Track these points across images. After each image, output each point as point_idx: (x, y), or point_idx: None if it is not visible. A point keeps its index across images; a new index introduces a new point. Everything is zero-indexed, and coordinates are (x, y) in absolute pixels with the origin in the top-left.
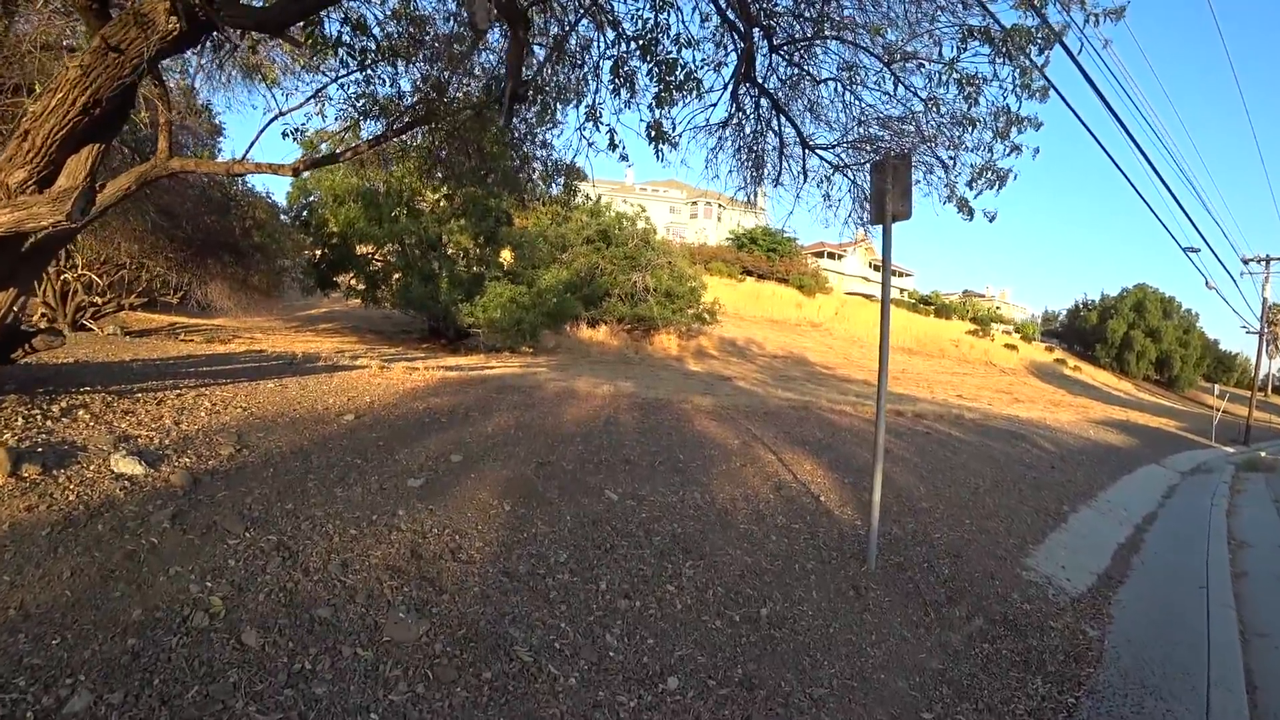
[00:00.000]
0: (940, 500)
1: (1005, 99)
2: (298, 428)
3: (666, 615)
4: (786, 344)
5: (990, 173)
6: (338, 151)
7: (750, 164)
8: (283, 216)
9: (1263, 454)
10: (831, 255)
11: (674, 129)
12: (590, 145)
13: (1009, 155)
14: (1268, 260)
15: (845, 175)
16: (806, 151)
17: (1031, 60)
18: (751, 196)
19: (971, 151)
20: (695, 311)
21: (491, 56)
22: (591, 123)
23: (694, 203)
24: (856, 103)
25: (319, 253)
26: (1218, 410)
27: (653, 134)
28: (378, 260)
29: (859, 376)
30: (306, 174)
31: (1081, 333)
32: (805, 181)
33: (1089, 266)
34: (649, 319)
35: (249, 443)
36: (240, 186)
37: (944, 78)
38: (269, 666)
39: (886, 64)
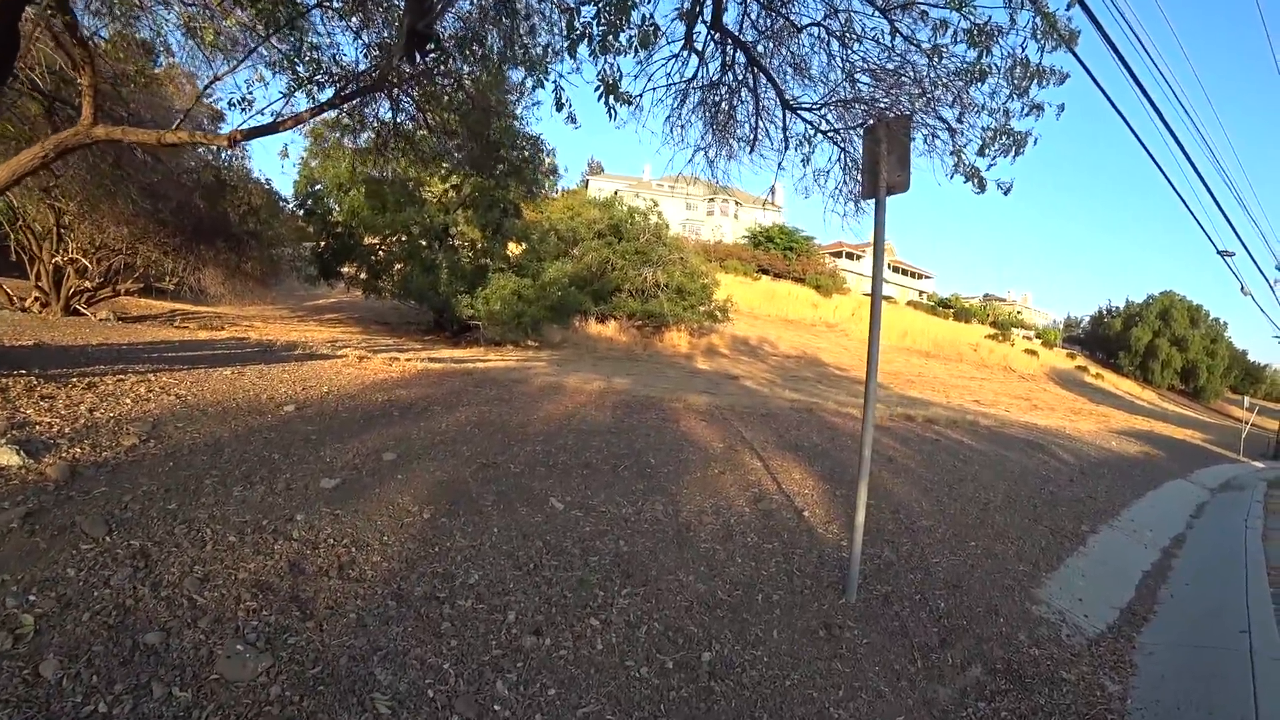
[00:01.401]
0: (944, 518)
1: (1023, 48)
2: (225, 419)
3: (581, 658)
4: (800, 344)
5: (1005, 137)
6: (278, 119)
7: (718, 126)
8: (290, 206)
9: None
10: (850, 255)
11: (640, 90)
12: (546, 105)
13: (1027, 115)
14: None
15: (833, 140)
16: (788, 113)
17: None
18: (719, 168)
19: (982, 112)
20: (707, 309)
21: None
22: (534, 75)
23: (711, 199)
24: (845, 56)
25: (323, 242)
26: (1246, 423)
27: (603, 90)
28: (381, 250)
29: None
30: (249, 142)
31: (1104, 340)
32: (788, 148)
33: (1114, 273)
34: (659, 315)
35: (161, 433)
36: (235, 170)
37: (951, 25)
38: (53, 709)
39: (883, 11)
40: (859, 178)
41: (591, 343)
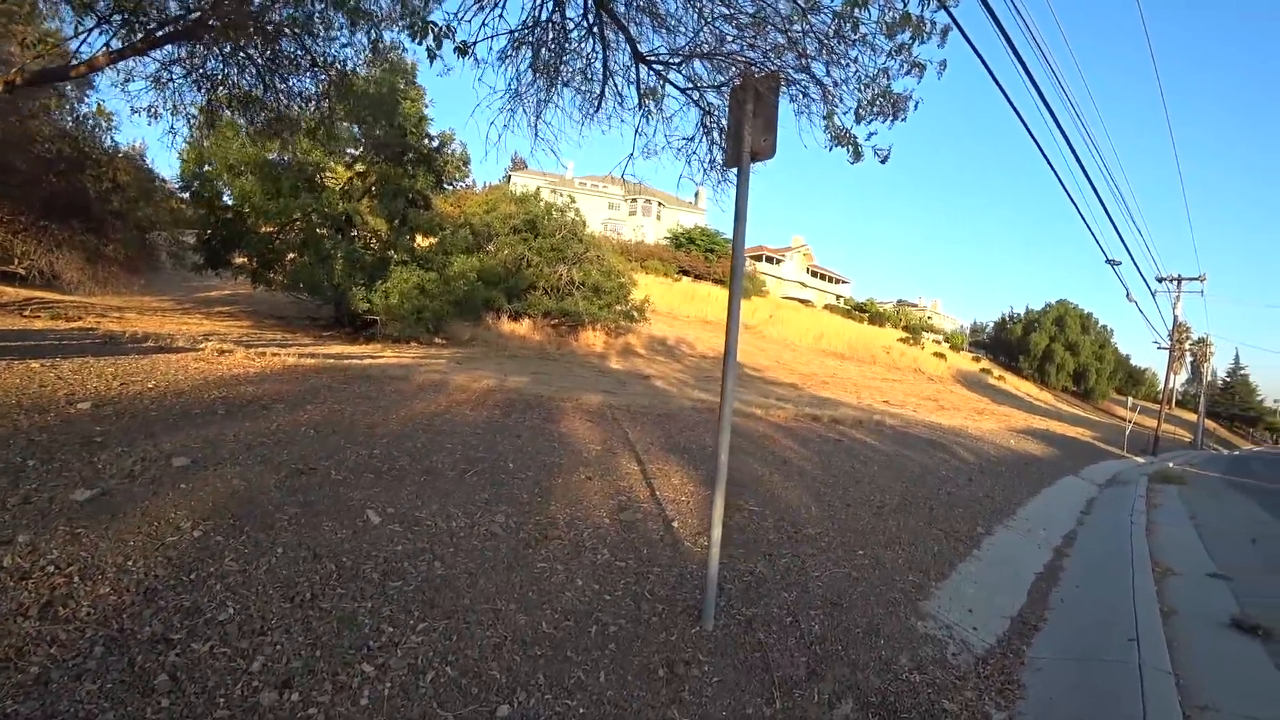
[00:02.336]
0: (833, 525)
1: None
2: None
3: (336, 718)
4: (718, 345)
5: (883, 99)
6: (69, 65)
7: (549, 76)
8: (169, 186)
9: (1171, 465)
10: (770, 259)
11: (472, 38)
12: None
13: (907, 74)
14: (1179, 280)
15: (694, 101)
16: (641, 67)
17: None
18: (544, 128)
19: (856, 66)
20: (623, 309)
21: None
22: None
23: (633, 200)
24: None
25: (210, 229)
26: (1129, 422)
27: (415, 27)
28: (276, 239)
29: (786, 379)
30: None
31: (1007, 344)
32: (641, 110)
33: (1016, 281)
34: (575, 314)
35: None
36: (101, 143)
37: None
38: None
39: None
40: (724, 144)
41: (503, 341)
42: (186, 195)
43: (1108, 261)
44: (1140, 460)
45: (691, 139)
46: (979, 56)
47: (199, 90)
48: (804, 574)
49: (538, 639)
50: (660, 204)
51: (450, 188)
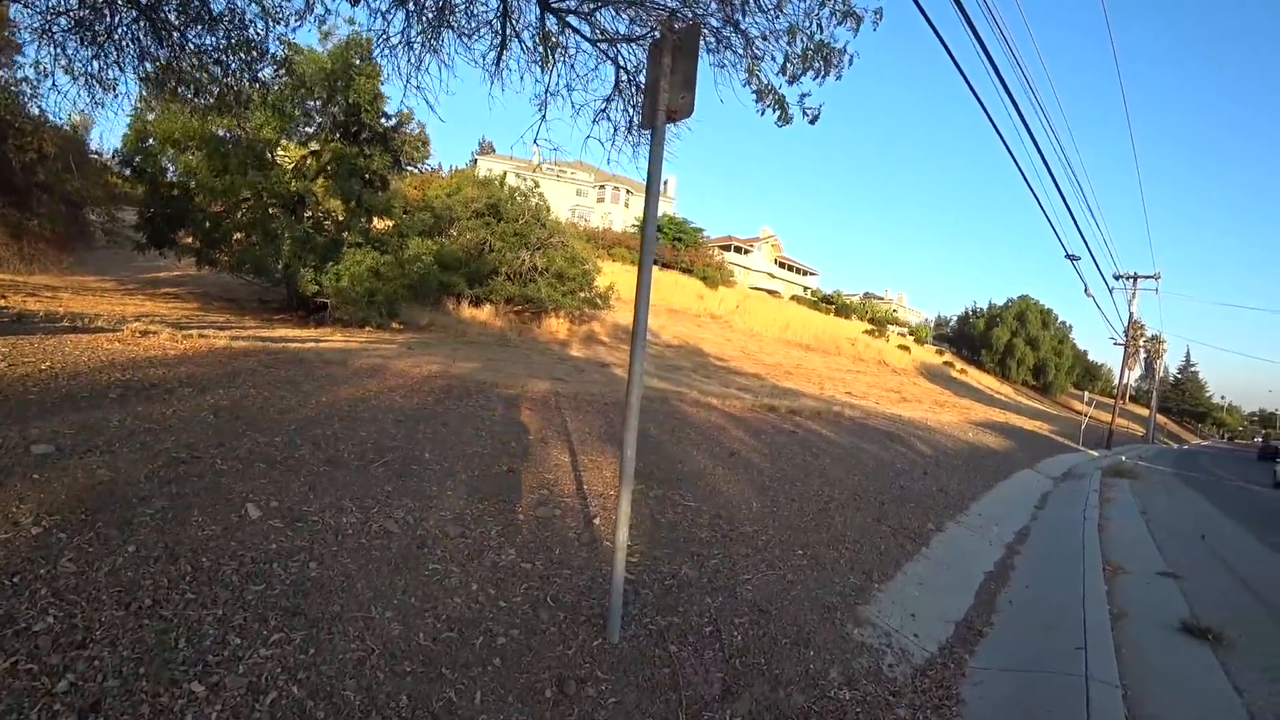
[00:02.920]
0: (775, 520)
1: None
2: None
3: None
4: (683, 334)
5: (815, 53)
6: None
7: (430, 21)
8: (102, 160)
9: (1123, 459)
10: (738, 249)
11: None
12: None
13: (840, 24)
14: (1135, 278)
15: (607, 55)
16: (546, 15)
17: None
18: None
19: (785, 19)
20: (587, 295)
21: None
22: None
23: (601, 186)
24: None
25: (153, 206)
26: (1085, 416)
27: None
28: (224, 218)
29: (750, 369)
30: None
31: (970, 338)
32: (550, 66)
33: (980, 277)
34: (538, 300)
35: None
36: (26, 111)
37: None
38: None
39: None
40: (640, 103)
41: (462, 327)
42: (128, 171)
43: (1067, 256)
44: (1095, 454)
45: (609, 100)
46: (938, 36)
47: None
48: (734, 577)
49: (410, 652)
50: (629, 191)
51: (409, 169)
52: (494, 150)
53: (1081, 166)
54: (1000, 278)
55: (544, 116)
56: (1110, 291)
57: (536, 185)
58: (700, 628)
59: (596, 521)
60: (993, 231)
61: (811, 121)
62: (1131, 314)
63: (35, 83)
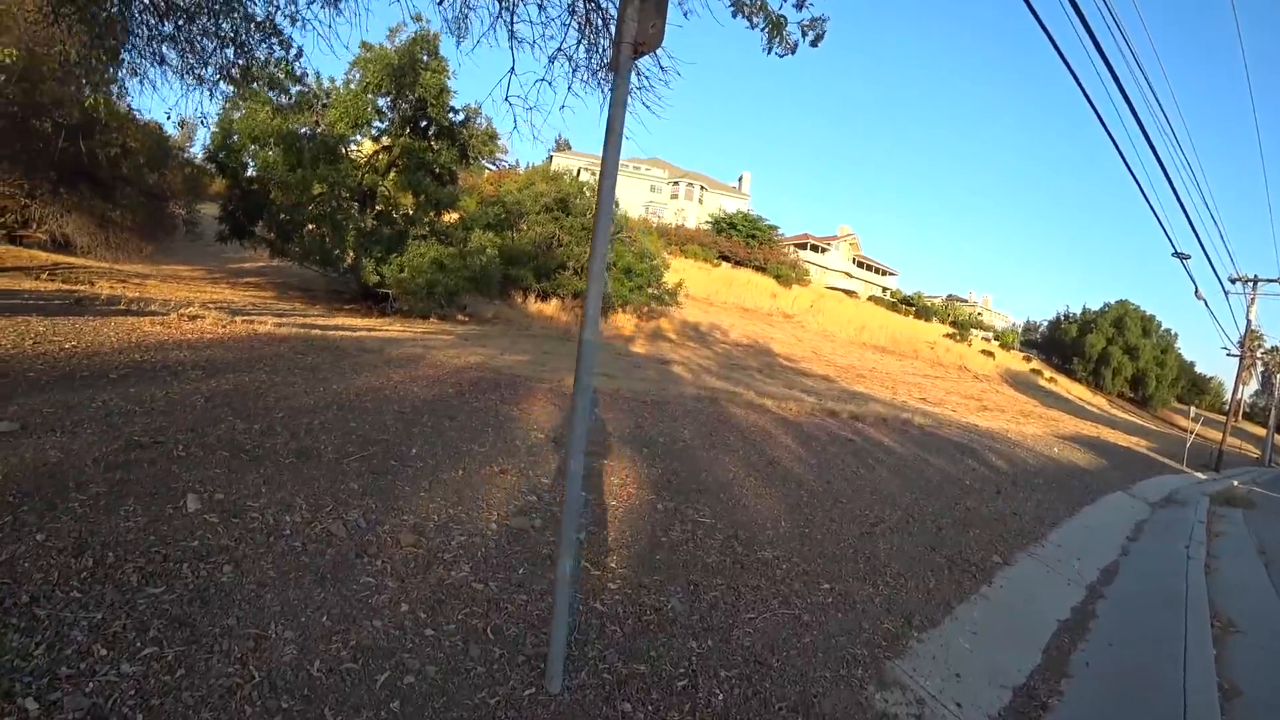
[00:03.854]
0: (803, 544)
1: None
2: None
3: None
4: (753, 333)
5: None
6: None
7: None
8: (189, 156)
9: (1236, 484)
10: (815, 248)
11: None
12: None
13: None
14: (1255, 281)
15: None
16: None
17: None
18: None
19: None
20: (655, 292)
21: None
22: None
23: (675, 183)
24: None
25: (234, 200)
26: (1191, 433)
27: None
28: (305, 210)
29: (820, 371)
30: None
31: (1060, 344)
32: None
33: (1074, 279)
34: (604, 296)
35: None
36: (115, 108)
37: None
38: None
39: None
40: (602, 44)
41: (528, 320)
42: (212, 166)
43: (1176, 254)
44: (1201, 476)
45: (570, 28)
46: (1041, 26)
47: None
48: (733, 615)
49: (295, 685)
50: (703, 187)
51: (477, 163)
52: (570, 147)
53: (1195, 154)
54: (1097, 280)
55: (513, 70)
56: (1226, 295)
57: None
58: (672, 680)
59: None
60: (1090, 229)
61: (814, 43)
62: (1250, 321)
63: (124, 82)
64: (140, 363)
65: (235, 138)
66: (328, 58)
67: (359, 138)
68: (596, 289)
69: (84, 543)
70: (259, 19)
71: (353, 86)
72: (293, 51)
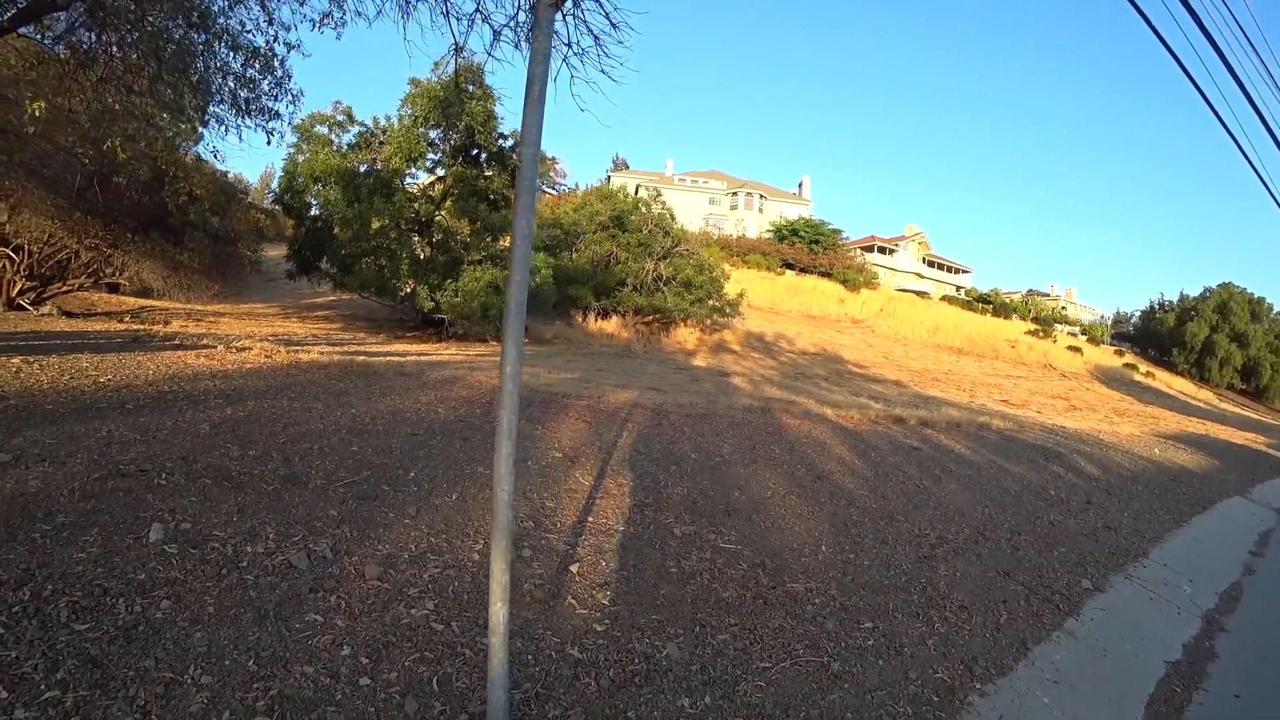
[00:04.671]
0: (846, 573)
1: None
2: None
3: None
4: (821, 340)
5: None
6: None
7: None
8: (248, 199)
9: None
10: (882, 250)
11: None
12: None
13: None
14: None
15: None
16: None
17: None
18: None
19: None
20: (717, 304)
21: None
22: None
23: (734, 193)
24: None
25: (300, 238)
26: None
27: None
28: (366, 244)
29: (891, 376)
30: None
31: (1157, 336)
32: None
33: (1168, 264)
34: (665, 310)
35: None
36: (181, 157)
37: None
38: None
39: None
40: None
41: (588, 339)
42: (279, 207)
43: None
44: None
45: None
46: None
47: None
48: (744, 664)
49: None
50: (762, 196)
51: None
52: (628, 166)
53: None
54: (1194, 264)
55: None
56: None
57: (659, 194)
58: None
59: (574, 570)
60: (1184, 208)
61: None
62: None
63: (188, 133)
64: (166, 393)
65: (299, 179)
66: (381, 96)
67: (415, 171)
68: (520, 277)
69: (29, 575)
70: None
71: (405, 122)
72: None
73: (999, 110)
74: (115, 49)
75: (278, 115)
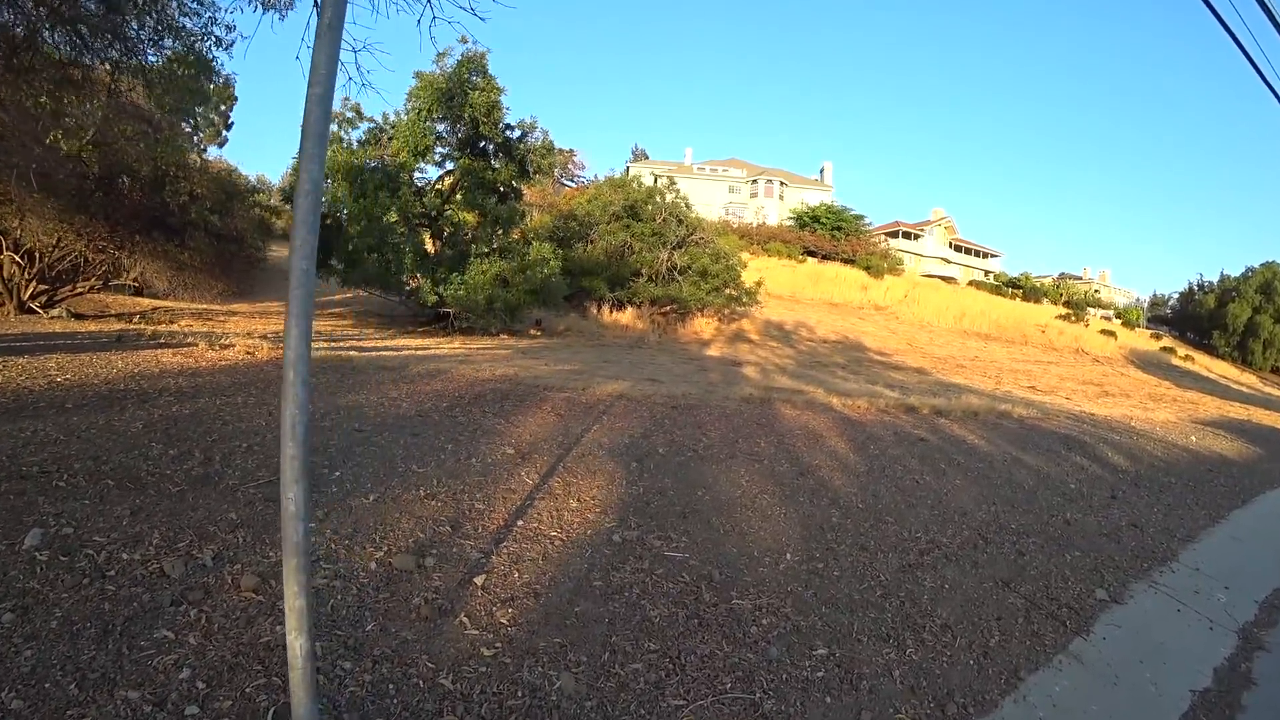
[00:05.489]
0: (808, 585)
1: None
2: None
3: None
4: (843, 328)
5: None
6: None
7: None
8: (279, 200)
9: None
10: (907, 235)
11: None
12: None
13: None
14: None
15: None
16: None
17: None
18: None
19: None
20: (733, 292)
21: None
22: None
23: (754, 181)
24: None
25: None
26: None
27: None
28: (358, 238)
29: (914, 364)
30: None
31: (1196, 318)
32: None
33: (1208, 243)
34: (680, 300)
35: None
36: (183, 157)
37: None
38: None
39: None
40: None
41: (601, 330)
42: (288, 205)
43: None
44: None
45: None
46: None
47: None
48: (650, 700)
49: None
50: (783, 183)
51: (538, 176)
52: (647, 156)
53: None
54: (1236, 244)
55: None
56: None
57: (672, 182)
58: None
59: (478, 582)
60: (1224, 186)
61: None
62: None
63: (191, 133)
64: (118, 391)
65: None
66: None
67: (425, 165)
68: (305, 237)
69: None
70: None
71: (410, 116)
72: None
73: (1028, 89)
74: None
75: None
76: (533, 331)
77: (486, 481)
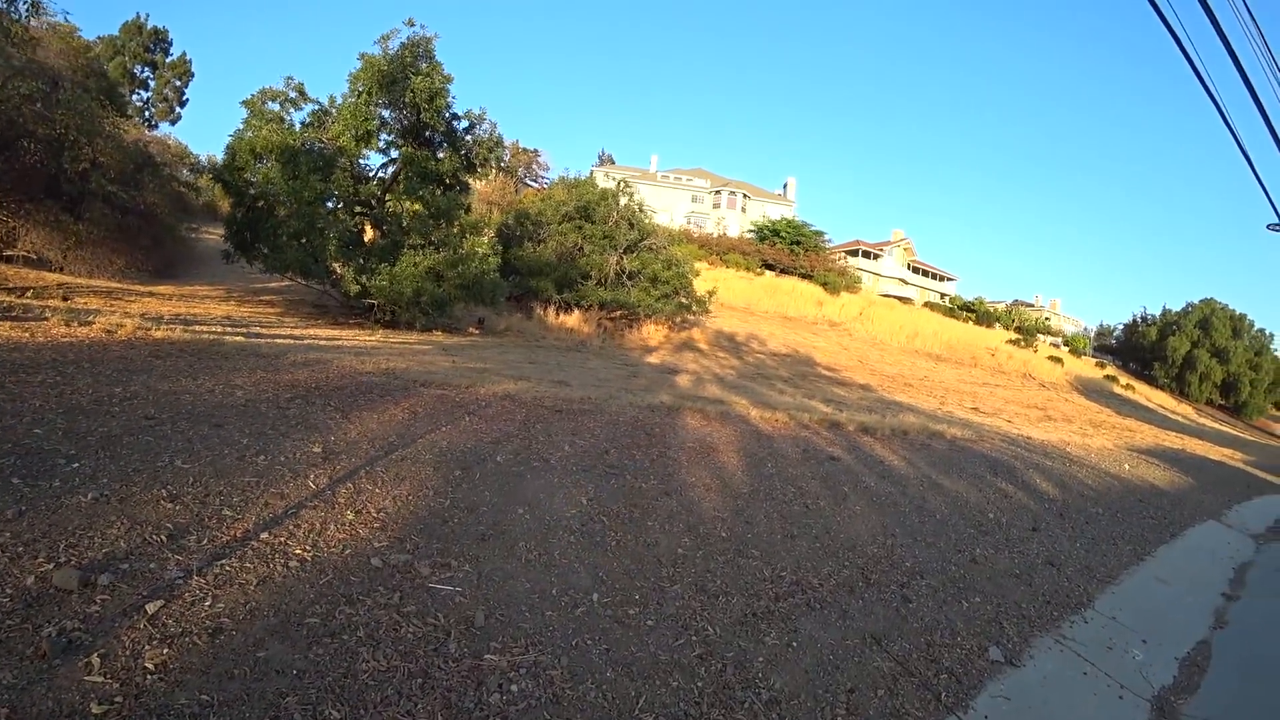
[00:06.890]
0: (601, 639)
1: None
2: None
3: None
4: (794, 342)
5: None
6: None
7: None
8: (211, 180)
9: None
10: (867, 254)
11: None
12: None
13: None
14: None
15: None
16: None
17: None
18: None
19: None
20: (685, 300)
21: None
22: None
23: (717, 192)
24: None
25: (239, 215)
26: None
27: None
28: (286, 221)
29: (861, 380)
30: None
31: (1139, 349)
32: None
33: (1152, 277)
34: (629, 306)
35: None
36: (92, 123)
37: None
38: None
39: None
40: None
41: (544, 332)
42: (220, 185)
43: (1272, 226)
44: None
45: None
46: None
47: None
48: None
49: None
50: (746, 195)
51: (482, 169)
52: (614, 161)
53: None
54: (1178, 280)
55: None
56: None
57: (627, 185)
58: None
59: (149, 610)
60: (1169, 227)
61: None
62: None
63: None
64: None
65: (240, 155)
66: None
67: (369, 152)
68: None
69: None
70: None
71: (350, 99)
72: None
73: (988, 121)
74: None
75: None
76: (472, 330)
77: (259, 484)
